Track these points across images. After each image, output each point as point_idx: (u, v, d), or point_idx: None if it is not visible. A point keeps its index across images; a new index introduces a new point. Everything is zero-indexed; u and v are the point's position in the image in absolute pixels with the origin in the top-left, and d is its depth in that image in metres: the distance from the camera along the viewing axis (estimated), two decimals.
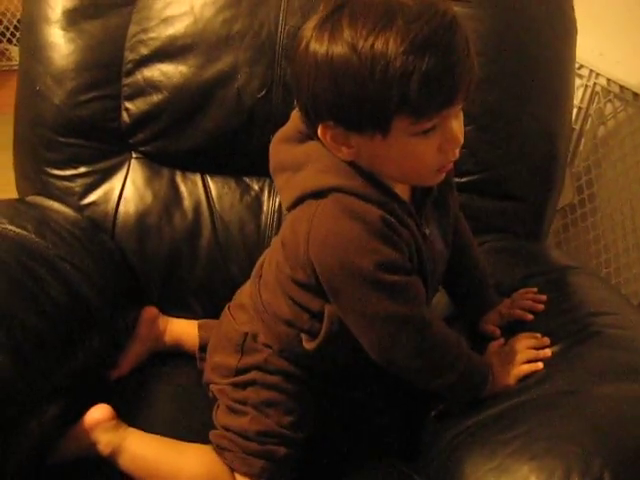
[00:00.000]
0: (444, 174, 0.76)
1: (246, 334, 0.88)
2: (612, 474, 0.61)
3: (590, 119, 1.44)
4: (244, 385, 0.87)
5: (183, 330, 1.05)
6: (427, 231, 0.80)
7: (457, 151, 0.73)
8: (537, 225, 1.14)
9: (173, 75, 1.08)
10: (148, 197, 1.11)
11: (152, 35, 1.08)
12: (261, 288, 0.88)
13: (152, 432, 0.89)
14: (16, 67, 1.17)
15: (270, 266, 0.86)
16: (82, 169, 1.10)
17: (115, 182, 1.11)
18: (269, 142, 0.84)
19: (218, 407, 0.90)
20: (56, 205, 1.09)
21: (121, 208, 1.10)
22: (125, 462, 0.86)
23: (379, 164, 0.73)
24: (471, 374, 0.80)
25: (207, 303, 1.10)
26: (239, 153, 1.10)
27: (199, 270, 1.10)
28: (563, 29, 1.12)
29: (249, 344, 0.88)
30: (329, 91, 0.67)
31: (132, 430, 0.88)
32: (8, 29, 2.71)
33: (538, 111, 1.10)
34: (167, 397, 0.98)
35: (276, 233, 1.09)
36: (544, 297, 0.91)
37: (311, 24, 0.69)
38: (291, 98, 0.73)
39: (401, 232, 0.74)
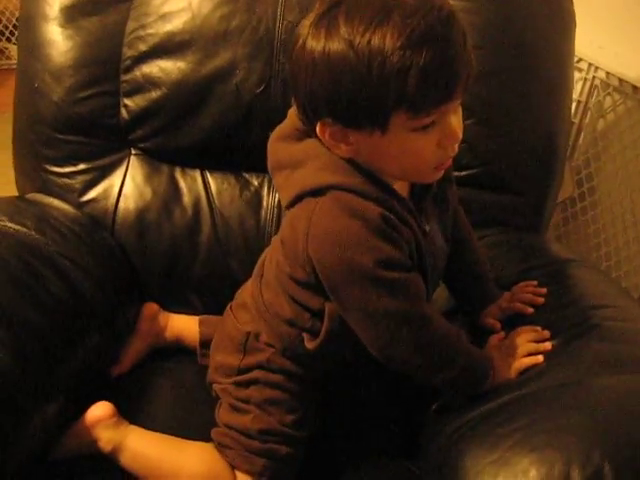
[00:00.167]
0: (442, 172, 0.76)
1: (248, 333, 0.88)
2: (612, 466, 0.62)
3: (589, 112, 1.44)
4: (247, 384, 0.87)
5: (184, 326, 1.06)
6: (427, 227, 0.80)
7: (456, 147, 0.72)
8: (537, 218, 1.14)
9: (171, 71, 1.07)
10: (148, 193, 1.10)
11: (150, 31, 1.08)
12: (262, 288, 0.88)
13: (153, 429, 0.89)
14: (15, 66, 1.17)
15: (271, 265, 0.87)
16: (81, 166, 1.10)
17: (115, 179, 1.11)
18: (268, 138, 0.84)
19: (220, 405, 0.90)
20: (56, 202, 1.09)
21: (121, 204, 1.10)
22: (126, 459, 0.86)
23: (378, 161, 0.73)
24: (472, 368, 0.80)
25: (207, 299, 1.10)
26: (238, 149, 1.10)
27: (199, 266, 1.10)
28: (561, 22, 1.12)
29: (251, 343, 0.88)
30: (327, 88, 0.67)
31: (133, 427, 0.89)
32: (7, 28, 2.71)
33: (537, 104, 1.10)
34: (168, 393, 0.99)
35: (276, 228, 1.09)
36: (544, 290, 0.91)
37: (308, 21, 0.69)
38: (289, 93, 0.73)
39: (401, 229, 0.74)
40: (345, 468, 0.89)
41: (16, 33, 2.62)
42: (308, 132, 0.75)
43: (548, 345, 0.82)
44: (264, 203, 1.12)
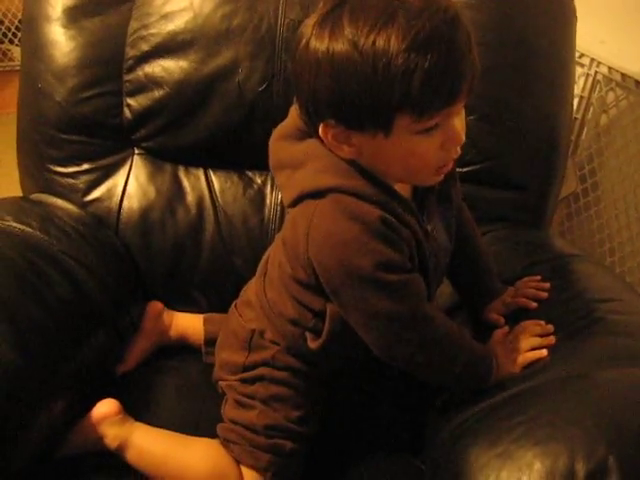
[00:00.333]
0: (443, 175, 0.75)
1: (253, 331, 0.89)
2: (616, 458, 0.61)
3: (592, 108, 1.44)
4: (252, 380, 0.88)
5: (188, 324, 1.06)
6: (429, 227, 0.79)
7: (459, 149, 0.72)
8: (540, 214, 1.14)
9: (174, 70, 1.08)
10: (151, 192, 1.11)
11: (152, 31, 1.08)
12: (266, 287, 0.88)
13: (158, 426, 0.89)
14: (18, 67, 1.17)
15: (274, 265, 0.87)
16: (85, 166, 1.11)
17: (118, 178, 1.11)
18: (270, 136, 0.84)
19: (226, 401, 0.90)
20: (60, 202, 1.09)
21: (125, 204, 1.10)
22: (132, 456, 0.86)
23: (380, 163, 0.73)
24: (475, 365, 0.80)
25: (212, 297, 1.10)
26: (241, 147, 1.11)
27: (203, 264, 1.10)
28: (562, 18, 1.12)
29: (256, 341, 0.88)
30: (330, 89, 0.66)
31: (139, 424, 0.89)
32: (10, 30, 2.71)
33: (538, 100, 1.10)
34: (173, 391, 0.99)
35: (279, 226, 1.09)
36: (547, 285, 0.91)
37: (311, 21, 0.68)
38: (292, 91, 0.73)
39: (401, 231, 0.73)
40: (350, 464, 0.89)
41: (19, 35, 2.62)
42: (309, 132, 0.75)
43: (552, 339, 0.82)
44: (267, 201, 1.12)
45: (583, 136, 1.47)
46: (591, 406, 0.68)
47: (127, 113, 1.10)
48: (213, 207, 1.11)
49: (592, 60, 1.40)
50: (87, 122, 1.09)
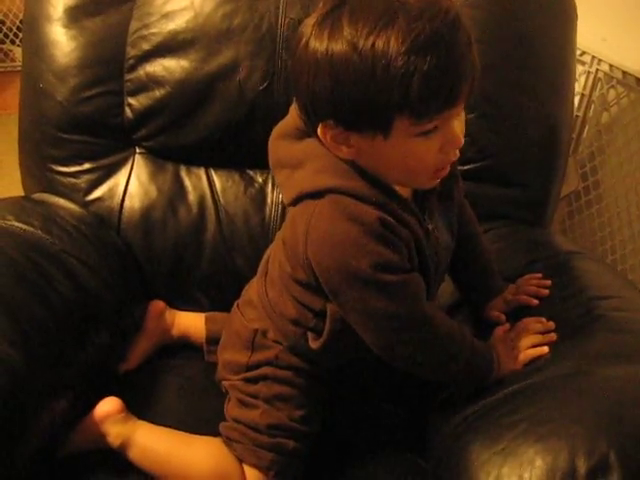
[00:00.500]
0: (439, 179, 0.75)
1: (256, 330, 0.89)
2: (618, 455, 0.62)
3: (593, 106, 1.44)
4: (255, 380, 0.88)
5: (190, 323, 1.06)
6: (430, 226, 0.79)
7: (457, 152, 0.72)
8: (541, 211, 1.14)
9: (175, 70, 1.08)
10: (153, 192, 1.11)
11: (153, 30, 1.09)
12: (267, 286, 0.88)
13: (161, 424, 0.89)
14: (20, 68, 1.17)
15: (274, 264, 0.87)
16: (87, 165, 1.11)
17: (120, 178, 1.11)
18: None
19: (229, 400, 0.90)
20: (62, 201, 1.10)
21: (126, 203, 1.10)
22: (135, 454, 0.86)
23: (379, 164, 0.72)
24: (476, 363, 0.80)
25: (214, 295, 1.11)
26: (242, 146, 1.11)
27: (205, 263, 1.10)
28: (563, 15, 1.12)
29: (259, 340, 0.88)
30: (329, 90, 0.66)
31: (141, 423, 0.89)
32: (11, 30, 2.71)
33: (539, 97, 1.09)
34: (175, 389, 0.99)
35: (280, 225, 1.09)
36: (548, 282, 0.91)
37: (311, 21, 0.68)
38: (292, 90, 0.73)
39: (400, 232, 0.73)
40: (352, 462, 0.89)
41: (20, 35, 2.62)
42: (309, 131, 0.74)
43: (553, 336, 0.82)
44: (268, 200, 1.12)
45: (584, 134, 1.47)
46: (592, 403, 0.68)
47: (128, 112, 1.10)
48: (214, 206, 1.12)
49: (593, 58, 1.40)
50: (88, 122, 1.10)
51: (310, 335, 0.84)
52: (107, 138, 1.11)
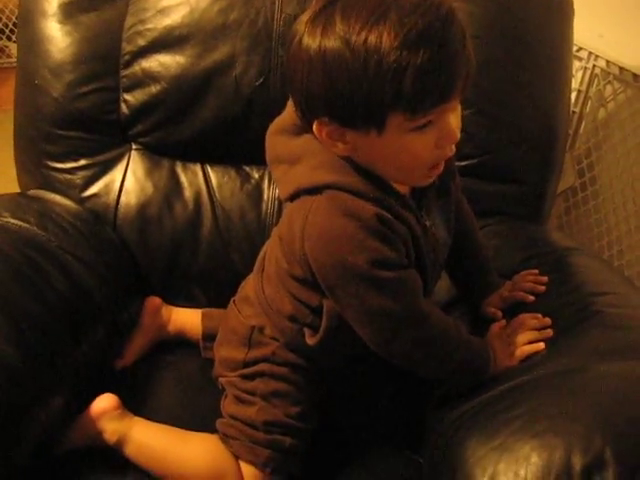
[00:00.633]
0: (434, 176, 0.75)
1: (253, 327, 0.89)
2: (613, 451, 0.62)
3: (590, 101, 1.43)
4: (252, 376, 0.88)
5: (187, 319, 1.06)
6: (427, 222, 0.79)
7: (454, 147, 0.72)
8: (537, 207, 1.14)
9: (171, 65, 1.08)
10: (149, 188, 1.11)
11: (149, 26, 1.08)
12: (264, 283, 0.88)
13: (157, 421, 0.89)
14: (16, 64, 1.17)
15: (270, 261, 0.87)
16: (82, 161, 1.11)
17: (116, 174, 1.11)
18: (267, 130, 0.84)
19: (226, 397, 0.90)
20: (57, 198, 1.09)
21: (122, 199, 1.10)
22: (131, 451, 0.86)
23: (374, 161, 0.72)
24: (472, 360, 0.81)
25: (210, 292, 1.10)
26: (238, 142, 1.10)
27: (201, 259, 1.10)
28: (559, 11, 1.12)
29: (256, 337, 0.88)
30: (323, 86, 0.66)
31: (138, 419, 0.89)
32: (7, 26, 2.70)
33: (536, 93, 1.09)
34: (172, 386, 0.99)
35: (277, 221, 1.09)
36: (545, 279, 0.91)
37: (304, 18, 0.68)
38: (288, 87, 0.73)
39: (397, 228, 0.73)
40: (349, 459, 0.89)
41: (16, 31, 2.61)
42: (305, 128, 0.74)
43: (549, 332, 0.82)
44: (265, 196, 1.12)
45: (581, 130, 1.47)
46: (588, 399, 0.68)
47: (124, 108, 1.10)
48: (211, 202, 1.11)
49: (590, 54, 1.39)
50: (84, 118, 1.09)
51: (307, 331, 0.84)
52: (103, 134, 1.11)
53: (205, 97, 1.08)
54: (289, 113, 0.79)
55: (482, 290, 0.93)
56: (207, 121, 1.09)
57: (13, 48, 2.70)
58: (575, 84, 1.41)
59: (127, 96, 1.10)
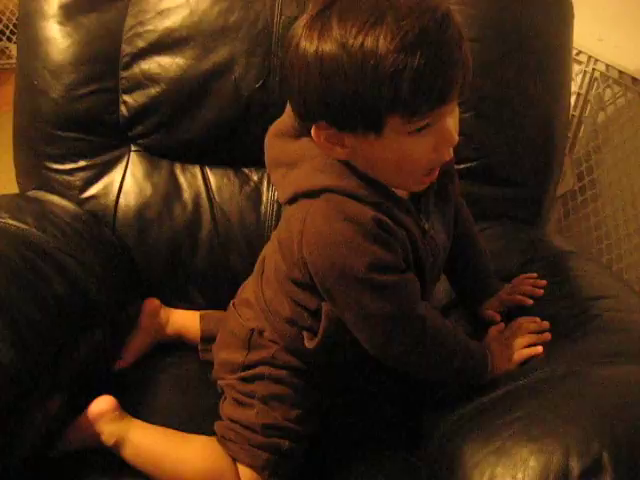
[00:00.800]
0: (428, 182, 0.75)
1: (252, 330, 0.89)
2: (611, 455, 0.62)
3: (589, 105, 1.43)
4: (252, 379, 0.88)
5: (185, 321, 1.06)
6: (426, 226, 0.79)
7: (451, 151, 0.71)
8: (536, 211, 1.14)
9: (170, 67, 1.08)
10: (148, 190, 1.11)
11: (149, 28, 1.08)
12: (264, 286, 0.88)
13: (155, 423, 0.89)
14: (15, 65, 1.17)
15: (270, 264, 0.87)
16: (82, 163, 1.11)
17: (115, 175, 1.11)
18: (266, 133, 0.84)
19: (225, 399, 0.90)
20: (56, 199, 1.09)
21: (121, 201, 1.10)
22: (129, 453, 0.86)
23: (373, 165, 0.72)
24: (470, 362, 0.80)
25: (208, 294, 1.11)
26: (237, 144, 1.11)
27: (200, 261, 1.10)
28: (559, 14, 1.12)
29: (255, 340, 0.88)
30: (320, 91, 0.66)
31: (136, 421, 0.89)
32: (7, 27, 2.71)
33: (535, 96, 1.09)
34: (170, 388, 0.99)
35: (276, 223, 1.10)
36: (544, 282, 0.91)
37: (301, 22, 0.67)
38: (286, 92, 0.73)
39: (395, 232, 0.73)
40: (347, 462, 0.89)
41: (16, 33, 2.61)
42: (304, 132, 0.74)
43: (547, 336, 0.82)
44: (264, 198, 1.12)
45: (580, 133, 1.47)
46: (586, 403, 0.68)
47: (123, 110, 1.10)
48: (209, 204, 1.11)
49: (589, 57, 1.39)
50: (83, 119, 1.09)
51: (305, 335, 0.84)
52: (102, 136, 1.11)
53: (204, 99, 1.08)
54: (288, 116, 0.79)
55: (481, 293, 0.93)
56: (206, 123, 1.09)
57: (13, 49, 2.70)
58: (575, 87, 1.41)
59: (126, 98, 1.10)
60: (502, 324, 0.87)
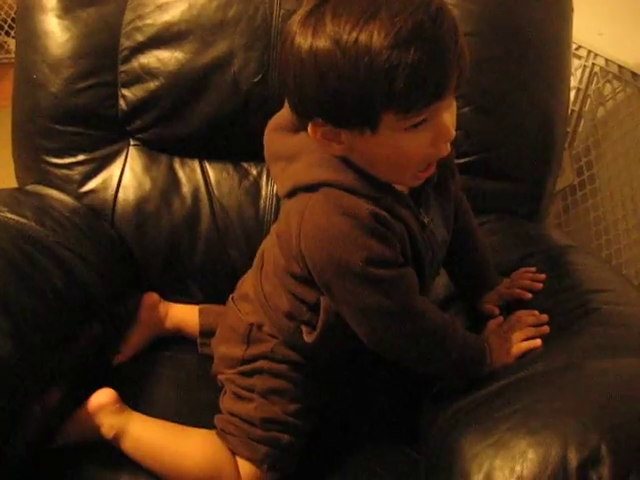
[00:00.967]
0: (422, 179, 0.75)
1: (251, 324, 0.89)
2: (609, 448, 0.61)
3: (589, 100, 1.44)
4: (251, 373, 0.88)
5: (184, 315, 1.06)
6: (426, 220, 0.79)
7: (449, 146, 0.71)
8: (535, 205, 1.14)
9: (169, 61, 1.07)
10: (147, 184, 1.11)
11: (148, 22, 1.08)
12: (263, 280, 0.88)
13: (155, 416, 0.89)
14: (14, 59, 1.17)
15: (269, 258, 0.87)
16: (80, 157, 1.11)
17: (114, 169, 1.11)
18: (265, 127, 0.84)
19: (224, 393, 0.91)
20: (55, 193, 1.09)
21: (120, 195, 1.10)
22: (129, 446, 0.86)
23: (369, 160, 0.72)
24: (468, 356, 0.80)
25: (207, 288, 1.11)
26: (236, 138, 1.10)
27: (199, 255, 1.10)
28: (558, 8, 1.12)
29: (255, 334, 0.89)
30: (315, 87, 0.65)
31: (135, 414, 0.89)
32: (6, 21, 2.70)
33: (534, 91, 1.09)
34: (169, 381, 0.99)
35: (275, 217, 1.10)
36: (543, 276, 0.91)
37: (296, 18, 0.67)
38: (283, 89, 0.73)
39: (393, 226, 0.73)
40: (346, 455, 0.89)
41: (15, 27, 2.61)
42: (302, 126, 0.74)
43: (546, 329, 0.82)
44: (263, 192, 1.12)
45: (580, 128, 1.47)
46: (584, 396, 0.68)
47: (122, 104, 1.10)
48: (209, 198, 1.11)
49: (589, 52, 1.39)
50: (82, 113, 1.09)
51: (304, 329, 0.84)
52: (101, 130, 1.11)
53: (203, 93, 1.08)
54: (287, 110, 0.79)
55: (480, 287, 0.93)
56: (205, 117, 1.09)
57: (12, 43, 2.70)
58: (574, 82, 1.41)
59: (125, 92, 1.10)
60: (501, 318, 0.87)
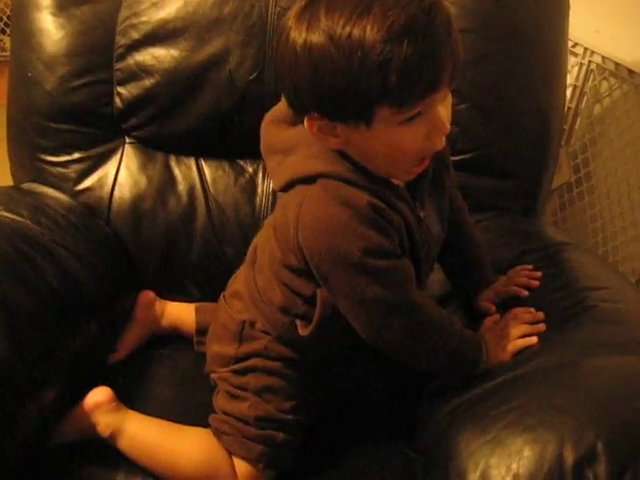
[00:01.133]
0: (415, 174, 0.75)
1: (244, 322, 0.89)
2: (605, 445, 0.62)
3: (585, 97, 1.44)
4: (244, 372, 0.88)
5: (180, 313, 1.06)
6: (422, 214, 0.79)
7: (444, 139, 0.71)
8: (531, 202, 1.14)
9: (164, 59, 1.07)
10: (142, 182, 1.11)
11: (143, 19, 1.08)
12: (256, 275, 0.88)
13: (151, 414, 0.89)
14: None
15: (263, 252, 0.87)
16: (76, 155, 1.10)
17: (109, 167, 1.11)
18: (261, 124, 0.84)
19: (218, 392, 0.90)
20: (51, 191, 1.09)
21: (116, 193, 1.10)
22: (124, 444, 0.86)
23: (365, 154, 0.72)
24: (464, 352, 0.80)
25: (204, 286, 1.10)
26: (232, 135, 1.10)
27: (195, 253, 1.10)
28: (555, 6, 1.12)
29: (247, 332, 0.88)
30: (309, 82, 0.66)
31: (131, 413, 0.89)
32: (1, 19, 2.69)
33: (530, 88, 1.09)
34: (165, 380, 0.99)
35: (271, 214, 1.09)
36: (539, 274, 0.91)
37: (291, 14, 0.67)
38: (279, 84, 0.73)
39: (391, 217, 0.73)
40: (342, 453, 0.89)
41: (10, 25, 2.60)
42: (299, 119, 0.74)
43: (542, 326, 0.82)
44: (259, 190, 1.12)
45: (577, 125, 1.47)
46: (580, 393, 0.68)
47: (118, 102, 1.10)
48: (204, 196, 1.11)
49: (586, 49, 1.39)
50: (78, 111, 1.09)
51: (299, 323, 0.84)
52: (96, 127, 1.11)
53: (199, 91, 1.08)
54: (284, 103, 0.79)
55: (476, 284, 0.93)
56: (201, 115, 1.08)
57: (7, 42, 2.69)
58: (571, 80, 1.41)
59: (121, 89, 1.09)
60: (497, 315, 0.87)
